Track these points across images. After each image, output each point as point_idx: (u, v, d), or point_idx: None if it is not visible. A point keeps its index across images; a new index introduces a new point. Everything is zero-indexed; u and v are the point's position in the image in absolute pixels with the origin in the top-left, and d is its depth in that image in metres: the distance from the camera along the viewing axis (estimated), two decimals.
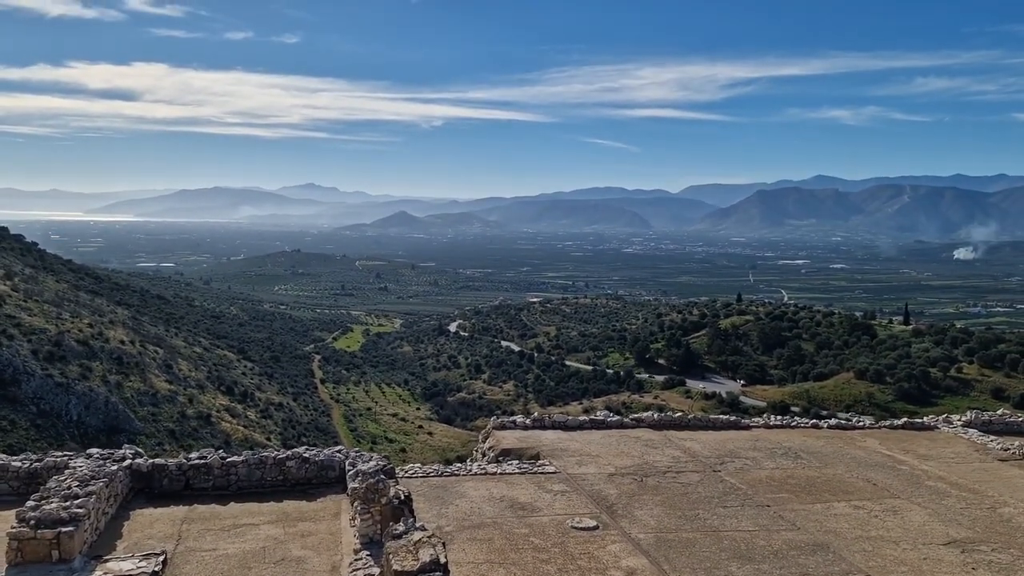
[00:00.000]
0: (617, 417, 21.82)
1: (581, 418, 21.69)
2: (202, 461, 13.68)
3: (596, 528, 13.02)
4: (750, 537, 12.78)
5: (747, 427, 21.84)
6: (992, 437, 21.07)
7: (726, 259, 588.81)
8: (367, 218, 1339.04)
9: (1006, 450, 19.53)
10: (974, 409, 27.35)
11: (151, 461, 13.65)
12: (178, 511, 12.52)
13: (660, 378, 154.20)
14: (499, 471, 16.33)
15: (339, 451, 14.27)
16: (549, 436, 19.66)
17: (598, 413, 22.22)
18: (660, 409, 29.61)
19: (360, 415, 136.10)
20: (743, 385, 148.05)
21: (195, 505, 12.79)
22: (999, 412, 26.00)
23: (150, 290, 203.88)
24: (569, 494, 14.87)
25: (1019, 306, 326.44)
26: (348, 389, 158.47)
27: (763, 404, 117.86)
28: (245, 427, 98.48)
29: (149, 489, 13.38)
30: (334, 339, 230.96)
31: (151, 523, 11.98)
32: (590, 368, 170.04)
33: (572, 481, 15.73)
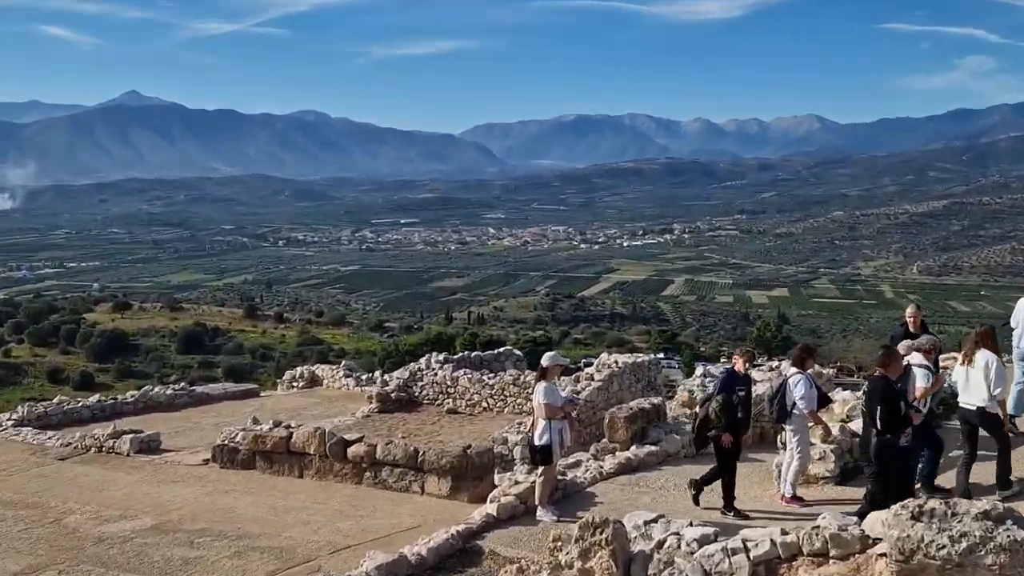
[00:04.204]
0: None
1: None
2: None
3: None
4: None
5: None
6: (51, 433, 19.17)
7: None
8: None
9: (67, 445, 17.87)
10: (28, 401, 25.21)
11: None
12: None
13: None
14: None
15: None
16: None
17: None
18: None
19: None
20: None
21: None
22: (56, 400, 24.41)
23: None
24: None
25: (71, 264, 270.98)
26: None
27: None
28: None
29: None
30: None
31: None
32: None
33: None
